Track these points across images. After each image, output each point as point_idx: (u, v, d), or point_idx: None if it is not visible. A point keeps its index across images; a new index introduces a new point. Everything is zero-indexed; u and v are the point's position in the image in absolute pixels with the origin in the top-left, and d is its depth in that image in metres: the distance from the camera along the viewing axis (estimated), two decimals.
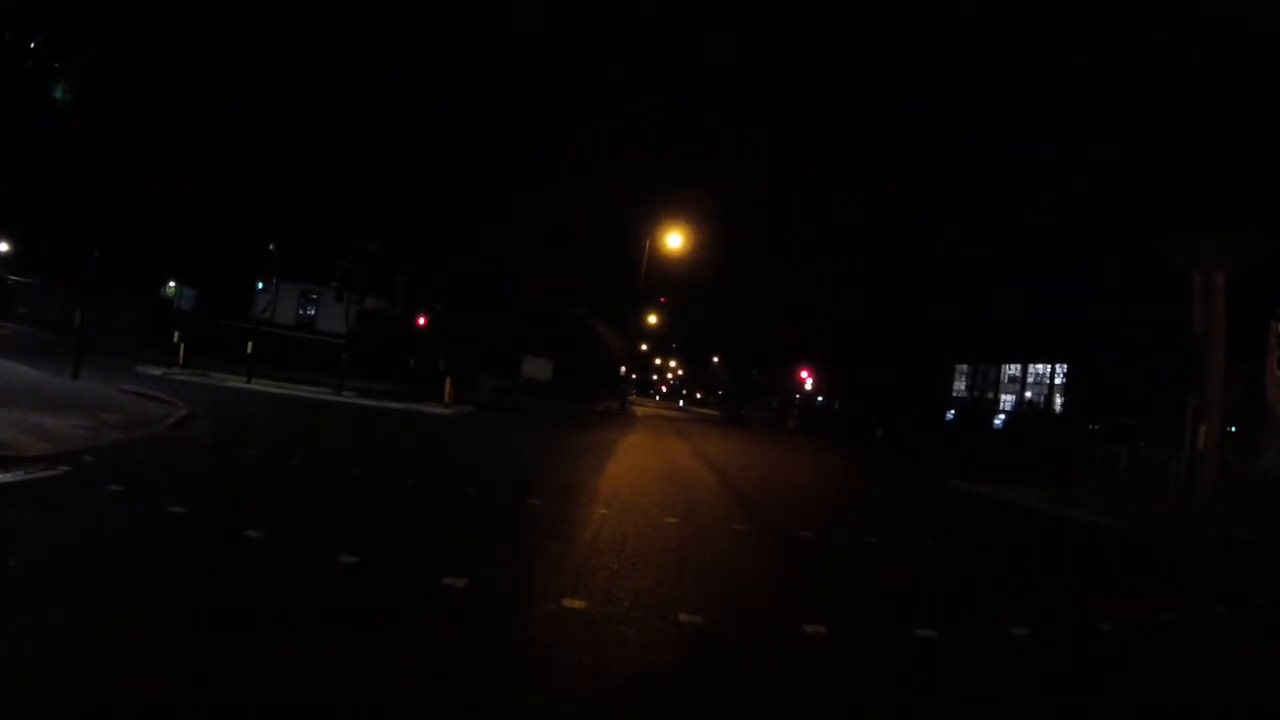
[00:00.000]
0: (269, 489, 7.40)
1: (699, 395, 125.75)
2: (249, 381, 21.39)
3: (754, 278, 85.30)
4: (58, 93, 14.37)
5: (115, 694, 2.82)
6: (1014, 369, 61.92)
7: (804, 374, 72.34)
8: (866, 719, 3.63)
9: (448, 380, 25.21)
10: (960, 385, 67.09)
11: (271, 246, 29.41)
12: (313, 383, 24.79)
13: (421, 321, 39.32)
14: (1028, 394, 60.49)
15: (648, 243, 41.68)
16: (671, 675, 3.73)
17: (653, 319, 65.71)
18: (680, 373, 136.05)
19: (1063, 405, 55.63)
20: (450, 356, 35.10)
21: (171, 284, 47.43)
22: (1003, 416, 60.03)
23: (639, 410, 50.08)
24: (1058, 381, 57.72)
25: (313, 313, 47.67)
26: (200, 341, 28.09)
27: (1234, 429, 22.86)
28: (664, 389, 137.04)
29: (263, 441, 10.71)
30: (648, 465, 14.23)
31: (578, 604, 4.57)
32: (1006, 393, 62.56)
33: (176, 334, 25.02)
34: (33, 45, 18.97)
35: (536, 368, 43.35)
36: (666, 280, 56.71)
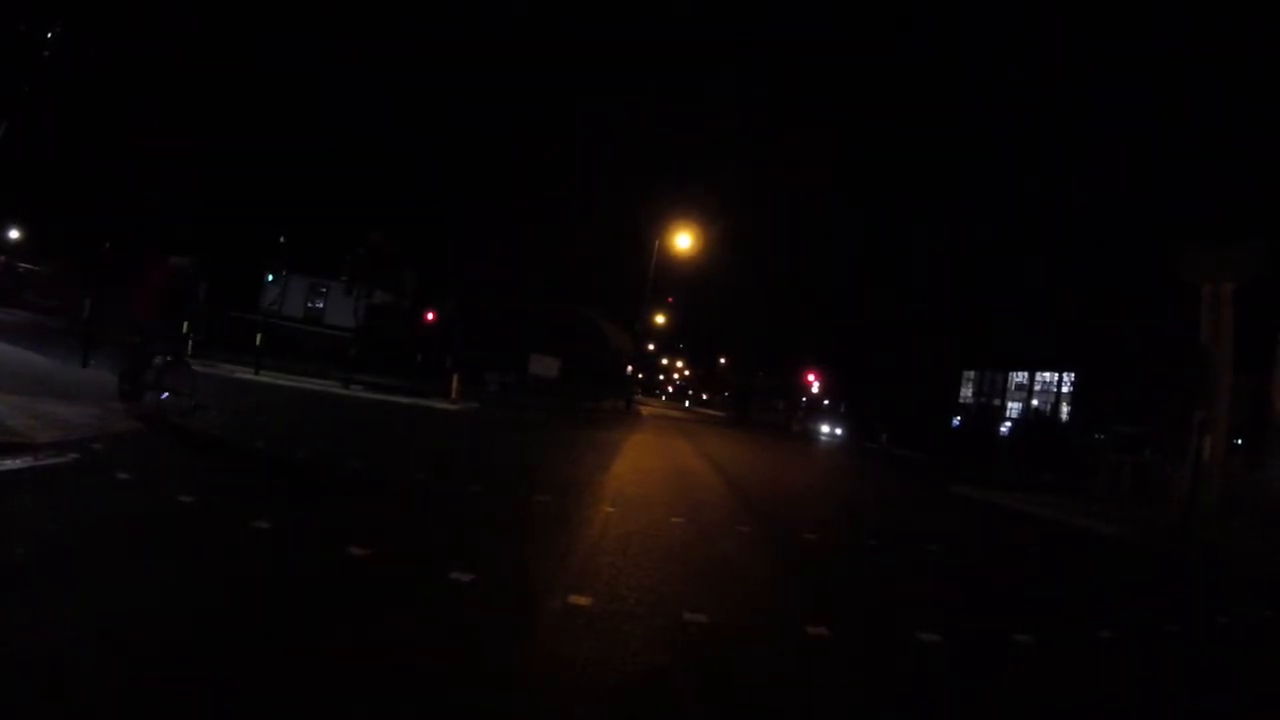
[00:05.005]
0: (277, 480, 7.45)
1: (705, 396, 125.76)
2: (257, 373, 21.49)
3: (762, 280, 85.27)
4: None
5: (122, 683, 2.86)
6: (1021, 376, 61.79)
7: (810, 377, 72.33)
8: None
9: (455, 376, 25.28)
10: (967, 392, 66.97)
11: (281, 239, 29.57)
12: (320, 375, 24.88)
13: (430, 317, 39.46)
14: (1034, 402, 60.35)
15: (656, 243, 41.71)
16: (674, 673, 3.75)
17: (660, 319, 65.75)
18: (686, 373, 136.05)
19: (1069, 414, 55.52)
20: (457, 353, 35.21)
21: None
22: (1009, 424, 59.88)
23: (644, 410, 50.10)
24: (1065, 390, 57.59)
25: (321, 306, 47.86)
26: (208, 332, 28.17)
27: (1240, 440, 22.79)
28: (670, 389, 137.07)
29: (271, 433, 10.76)
30: (653, 465, 14.26)
31: (583, 600, 4.60)
32: (1013, 400, 62.43)
33: (185, 324, 25.12)
34: (49, 36, 19.08)
35: (543, 365, 43.39)
36: (675, 281, 56.80)
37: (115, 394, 9.95)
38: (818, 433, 54.84)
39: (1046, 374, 59.39)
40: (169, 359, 10.41)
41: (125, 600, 3.62)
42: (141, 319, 10.30)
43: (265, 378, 21.10)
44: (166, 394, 10.22)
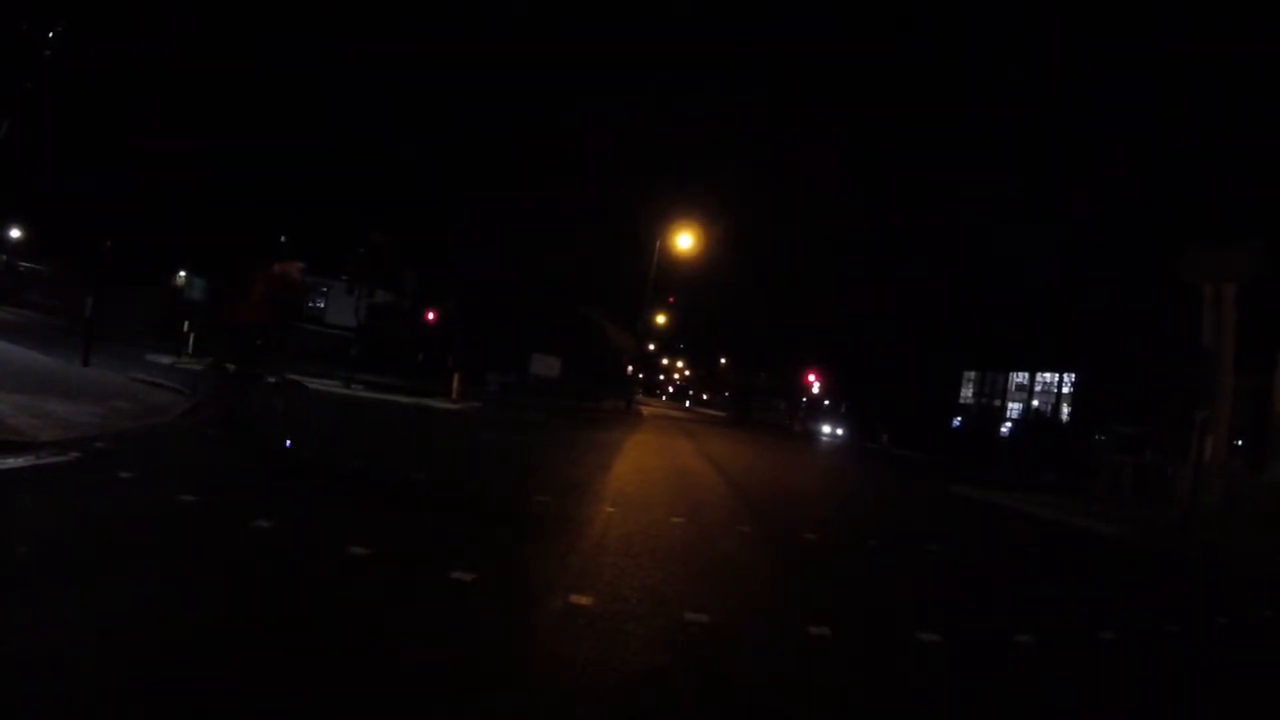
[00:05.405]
0: (278, 479, 7.44)
1: (705, 396, 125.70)
2: None
3: (762, 280, 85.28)
4: None
5: (122, 683, 2.86)
6: (1022, 377, 61.71)
7: (811, 377, 72.35)
8: None
9: (456, 376, 25.28)
10: (967, 392, 66.88)
11: (282, 238, 29.56)
12: (322, 375, 24.86)
13: (431, 317, 39.44)
14: (1035, 402, 60.29)
15: (657, 243, 41.67)
16: (676, 673, 3.75)
17: (661, 319, 65.70)
18: (687, 373, 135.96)
19: (1070, 414, 55.48)
20: (458, 352, 35.17)
21: (182, 274, 47.67)
22: (1009, 424, 59.84)
23: (645, 410, 50.12)
24: (1065, 390, 57.54)
25: (322, 305, 47.89)
26: (209, 331, 28.17)
27: (1240, 442, 22.77)
28: (670, 389, 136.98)
29: (272, 432, 10.74)
30: (654, 465, 14.26)
31: (584, 600, 4.60)
32: (1014, 400, 62.36)
33: (186, 323, 25.11)
34: (50, 35, 19.08)
35: (544, 365, 43.26)
36: (676, 281, 56.78)
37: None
38: (819, 433, 54.87)
39: (1047, 374, 59.30)
40: (275, 380, 8.89)
41: (125, 600, 3.61)
42: (241, 323, 8.85)
43: None
44: (279, 424, 8.84)
